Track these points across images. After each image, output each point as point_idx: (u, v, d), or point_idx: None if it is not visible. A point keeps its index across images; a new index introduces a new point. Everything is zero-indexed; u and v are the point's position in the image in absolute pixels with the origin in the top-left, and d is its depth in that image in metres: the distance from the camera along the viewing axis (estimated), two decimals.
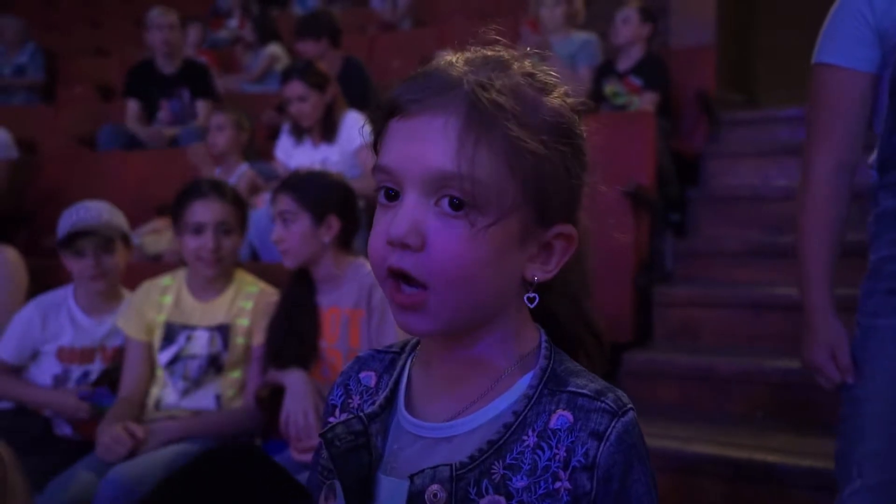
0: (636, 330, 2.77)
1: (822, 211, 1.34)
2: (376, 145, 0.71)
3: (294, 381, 1.91)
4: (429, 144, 0.65)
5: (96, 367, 2.20)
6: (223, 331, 2.12)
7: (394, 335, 1.82)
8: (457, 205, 0.64)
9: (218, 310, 2.14)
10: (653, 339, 2.80)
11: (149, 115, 4.26)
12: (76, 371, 2.19)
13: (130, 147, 4.24)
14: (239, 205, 2.16)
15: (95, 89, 5.76)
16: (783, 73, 4.34)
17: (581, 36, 3.92)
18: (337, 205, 1.95)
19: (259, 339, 2.09)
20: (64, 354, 2.20)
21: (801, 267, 1.38)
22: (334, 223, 1.93)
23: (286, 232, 1.93)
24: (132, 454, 1.89)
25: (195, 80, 4.21)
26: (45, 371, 2.20)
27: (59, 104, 5.60)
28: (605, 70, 3.79)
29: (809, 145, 1.37)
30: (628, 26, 3.70)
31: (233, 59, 5.56)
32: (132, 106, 4.26)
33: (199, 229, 2.07)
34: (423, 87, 0.67)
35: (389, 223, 0.66)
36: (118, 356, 2.20)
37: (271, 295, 2.16)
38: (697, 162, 3.58)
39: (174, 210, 2.13)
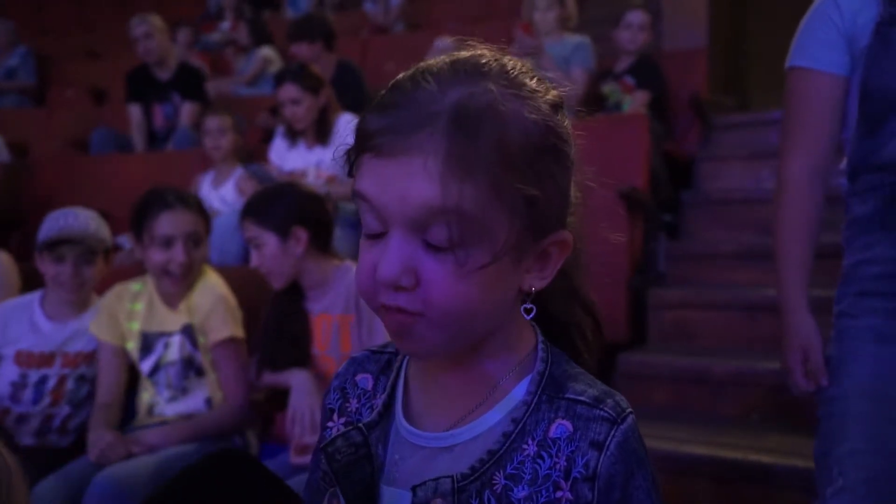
0: (630, 332, 2.78)
1: (797, 212, 1.37)
2: (351, 172, 0.67)
3: (300, 380, 1.91)
4: (410, 183, 0.60)
5: (55, 372, 2.15)
6: (188, 331, 2.10)
7: (384, 337, 1.81)
8: (447, 242, 0.61)
9: (182, 311, 2.11)
10: (647, 340, 2.80)
11: (145, 120, 4.25)
12: (33, 376, 2.13)
13: (123, 150, 4.23)
14: (204, 213, 2.12)
15: (88, 92, 5.75)
16: (775, 76, 4.36)
17: (574, 39, 3.94)
18: (299, 215, 1.92)
19: (214, 336, 2.07)
20: (22, 358, 2.15)
21: (776, 268, 1.39)
22: (301, 234, 1.91)
23: (260, 257, 1.93)
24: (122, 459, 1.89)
25: (187, 83, 4.20)
26: (2, 377, 2.14)
27: (51, 107, 5.58)
28: (606, 73, 3.87)
29: (783, 148, 1.40)
30: (642, 32, 3.79)
31: (225, 62, 5.55)
32: (135, 112, 4.23)
33: (168, 242, 2.02)
34: (394, 122, 0.62)
35: (377, 259, 0.63)
36: (80, 361, 2.17)
37: (211, 286, 2.12)
38: (691, 165, 3.60)
39: (136, 221, 2.05)
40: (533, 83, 0.66)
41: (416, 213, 0.61)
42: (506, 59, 0.66)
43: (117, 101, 4.82)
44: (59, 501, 1.82)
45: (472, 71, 0.64)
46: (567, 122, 0.68)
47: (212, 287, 2.13)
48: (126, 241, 3.22)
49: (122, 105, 4.40)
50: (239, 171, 3.30)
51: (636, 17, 3.80)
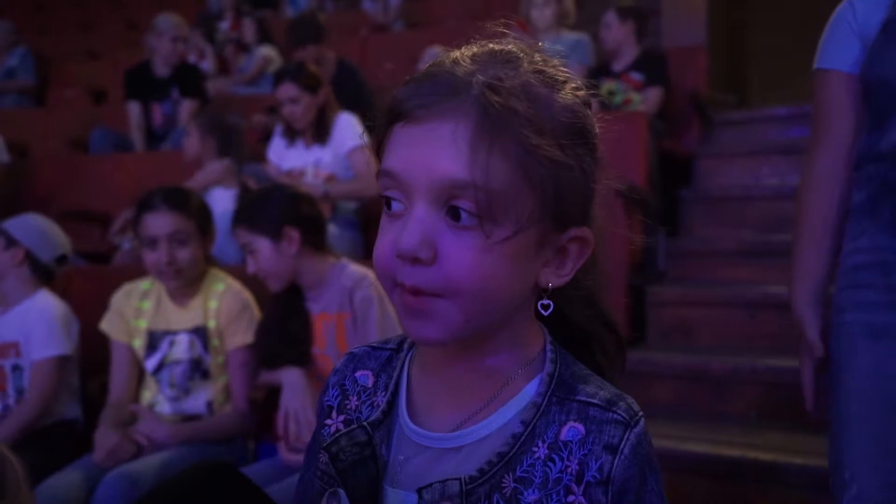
0: (630, 329, 2.78)
1: (816, 208, 1.35)
2: (379, 150, 0.67)
3: (291, 378, 1.91)
4: (438, 152, 0.60)
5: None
6: (200, 333, 2.09)
7: (375, 334, 1.82)
8: (470, 216, 0.60)
9: (194, 312, 2.11)
10: (646, 338, 2.80)
11: (144, 119, 4.25)
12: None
13: (123, 150, 4.23)
14: (197, 212, 2.09)
15: (87, 92, 5.75)
16: (775, 73, 4.36)
17: (572, 36, 3.92)
18: (288, 215, 1.91)
19: (234, 341, 2.08)
20: None
21: (791, 265, 1.37)
22: (293, 234, 1.90)
23: (255, 262, 1.93)
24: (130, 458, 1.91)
25: (186, 80, 4.20)
26: None
27: (50, 107, 5.59)
28: (600, 71, 3.76)
29: (810, 148, 1.39)
30: (609, 30, 3.72)
31: (224, 62, 5.55)
32: (134, 110, 4.22)
33: (152, 243, 2.02)
34: (428, 90, 0.63)
35: (398, 235, 0.62)
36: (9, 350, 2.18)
37: (238, 292, 2.13)
38: (690, 162, 3.59)
39: (134, 223, 2.09)
40: (564, 76, 0.67)
41: (441, 185, 0.61)
42: (538, 55, 0.68)
43: (117, 101, 4.82)
44: (79, 492, 1.83)
45: (507, 58, 0.66)
46: (594, 120, 0.69)
47: (238, 292, 2.13)
48: (126, 240, 3.22)
49: (121, 105, 4.40)
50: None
51: (604, 18, 3.76)
